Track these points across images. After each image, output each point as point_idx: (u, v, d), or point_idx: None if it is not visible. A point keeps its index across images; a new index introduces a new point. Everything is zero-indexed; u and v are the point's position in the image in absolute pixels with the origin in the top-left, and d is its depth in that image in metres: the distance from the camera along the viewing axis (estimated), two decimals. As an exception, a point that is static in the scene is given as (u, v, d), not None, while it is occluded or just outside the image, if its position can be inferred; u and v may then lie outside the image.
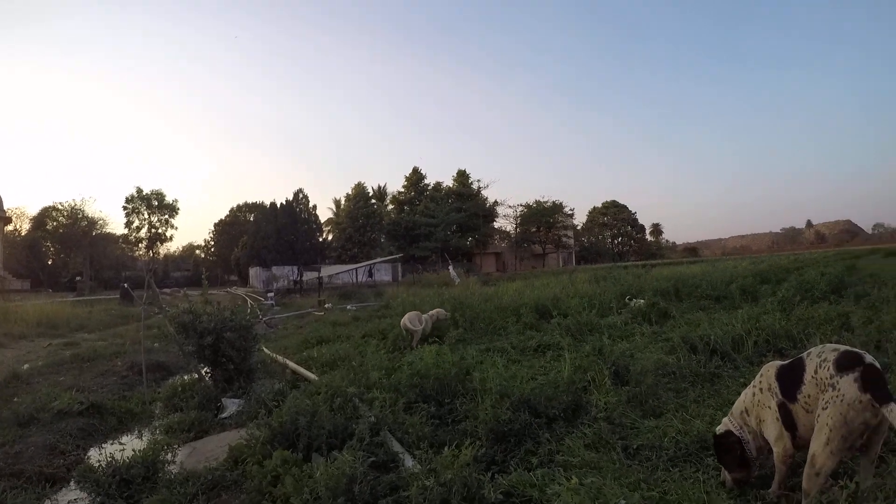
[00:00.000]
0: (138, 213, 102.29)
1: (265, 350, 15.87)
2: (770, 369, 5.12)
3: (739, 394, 7.43)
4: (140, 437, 10.48)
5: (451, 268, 57.59)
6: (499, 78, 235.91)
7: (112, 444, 9.99)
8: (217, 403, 11.48)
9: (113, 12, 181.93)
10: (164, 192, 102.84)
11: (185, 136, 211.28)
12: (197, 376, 12.86)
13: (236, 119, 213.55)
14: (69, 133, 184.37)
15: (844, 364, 4.29)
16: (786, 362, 5.05)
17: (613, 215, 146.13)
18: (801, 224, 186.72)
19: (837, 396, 4.19)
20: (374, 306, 30.05)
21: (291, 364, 13.77)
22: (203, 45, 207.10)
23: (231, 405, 10.97)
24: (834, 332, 10.72)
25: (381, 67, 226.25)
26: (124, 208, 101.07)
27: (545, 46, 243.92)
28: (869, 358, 4.35)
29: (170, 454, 8.15)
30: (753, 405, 5.18)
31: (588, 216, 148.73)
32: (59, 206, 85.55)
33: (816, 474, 4.31)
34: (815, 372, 4.45)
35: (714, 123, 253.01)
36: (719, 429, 5.43)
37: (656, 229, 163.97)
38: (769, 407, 4.96)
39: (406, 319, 15.69)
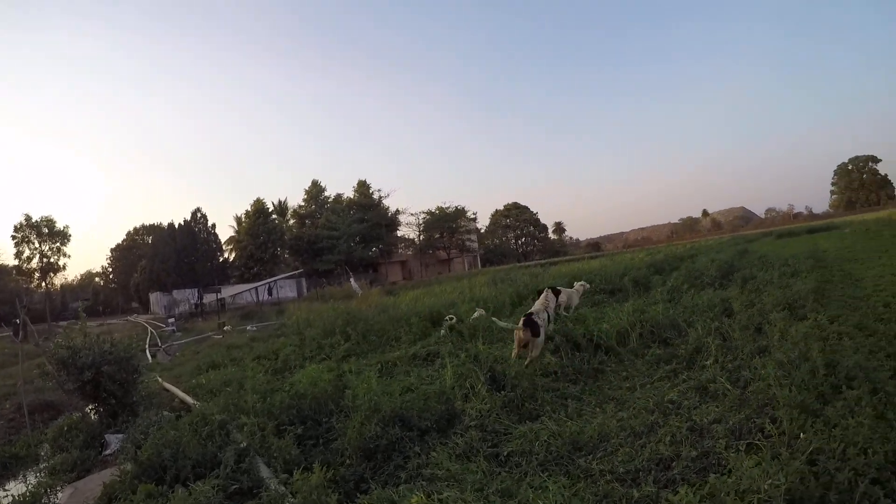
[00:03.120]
0: (28, 242, 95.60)
1: (158, 379, 15.25)
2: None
3: (622, 388, 7.33)
4: (24, 481, 9.97)
5: (352, 280, 57.66)
6: (394, 85, 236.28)
7: (-6, 492, 9.46)
8: (101, 440, 11.11)
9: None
10: (55, 218, 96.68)
11: (75, 156, 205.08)
12: (81, 414, 12.24)
13: (128, 137, 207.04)
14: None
15: (525, 317, 10.49)
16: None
17: (516, 217, 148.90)
18: (697, 213, 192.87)
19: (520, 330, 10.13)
20: (274, 325, 29.43)
21: (179, 393, 13.44)
22: (92, 62, 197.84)
23: (114, 441, 10.77)
24: (715, 318, 11.31)
25: (275, 80, 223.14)
26: (13, 237, 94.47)
27: (441, 52, 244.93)
28: (534, 316, 10.60)
29: (52, 497, 7.74)
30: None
31: (491, 219, 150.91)
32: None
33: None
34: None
35: (610, 121, 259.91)
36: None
37: (559, 227, 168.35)
38: None
39: None
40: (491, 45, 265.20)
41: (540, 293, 14.15)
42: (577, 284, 17.19)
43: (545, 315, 12.02)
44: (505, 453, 6.49)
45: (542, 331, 10.58)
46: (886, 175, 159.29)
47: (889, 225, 37.84)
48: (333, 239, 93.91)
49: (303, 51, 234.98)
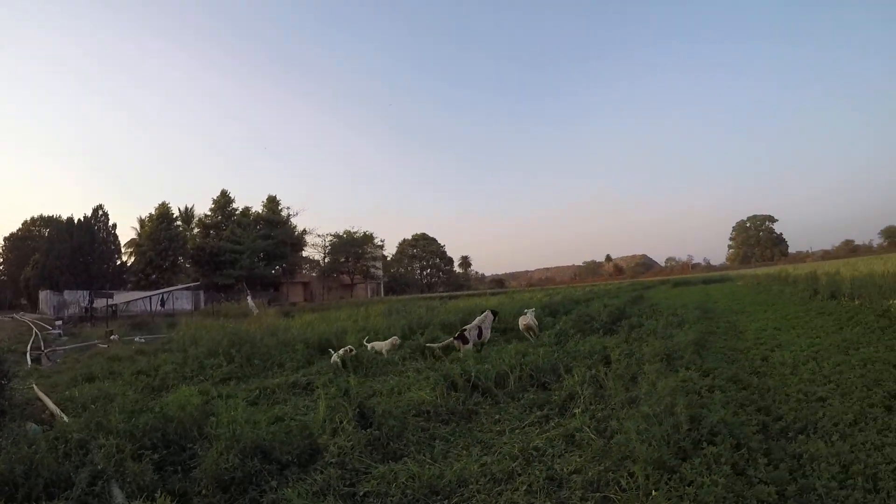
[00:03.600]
0: None
1: (34, 387, 14.63)
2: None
3: (492, 432, 7.34)
4: None
5: (248, 298, 56.33)
6: (313, 105, 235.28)
7: None
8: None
9: None
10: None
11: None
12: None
13: (30, 119, 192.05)
14: None
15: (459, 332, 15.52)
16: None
17: (423, 247, 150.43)
18: (601, 258, 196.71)
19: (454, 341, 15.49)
20: (164, 339, 28.61)
21: (49, 404, 12.63)
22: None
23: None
24: (594, 365, 11.38)
25: (197, 85, 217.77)
26: None
27: (364, 77, 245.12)
28: (468, 332, 15.92)
29: None
30: None
31: (398, 247, 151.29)
32: None
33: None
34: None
35: (525, 161, 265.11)
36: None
37: (465, 261, 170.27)
38: None
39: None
40: (414, 74, 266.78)
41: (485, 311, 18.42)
42: (528, 311, 19.78)
43: (476, 331, 16.38)
44: (361, 493, 6.28)
45: (470, 342, 15.49)
46: (781, 234, 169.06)
47: (778, 280, 39.56)
48: (237, 253, 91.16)
49: (224, 58, 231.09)
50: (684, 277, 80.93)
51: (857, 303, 20.11)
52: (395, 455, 7.51)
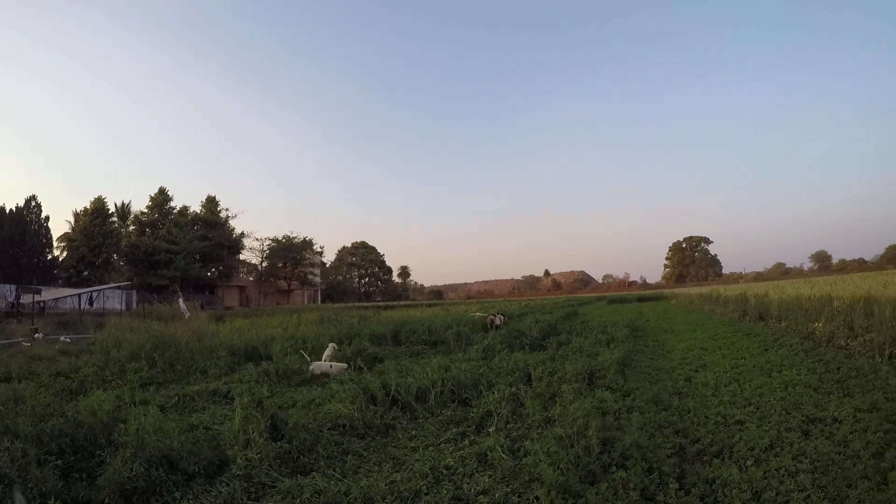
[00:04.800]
0: None
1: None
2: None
3: (407, 448, 7.23)
4: None
5: (181, 300, 55.21)
6: (260, 107, 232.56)
7: None
8: None
9: None
10: None
11: None
12: None
13: None
14: None
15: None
16: None
17: (362, 256, 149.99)
18: (540, 272, 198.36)
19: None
20: (90, 339, 27.90)
21: None
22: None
23: None
24: (515, 382, 11.30)
25: (141, 76, 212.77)
26: None
27: (312, 86, 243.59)
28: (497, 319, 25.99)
29: None
30: None
31: (337, 255, 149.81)
32: None
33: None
34: None
35: (467, 174, 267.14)
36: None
37: (404, 272, 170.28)
38: None
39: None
40: (357, 84, 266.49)
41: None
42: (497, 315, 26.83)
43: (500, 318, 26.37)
44: (265, 508, 6.12)
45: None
46: (716, 255, 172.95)
47: (709, 300, 40.52)
48: (172, 253, 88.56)
49: (176, 54, 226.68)
50: (620, 295, 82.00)
51: (783, 325, 20.52)
52: (304, 469, 7.30)
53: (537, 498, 5.56)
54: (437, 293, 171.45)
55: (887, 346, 12.75)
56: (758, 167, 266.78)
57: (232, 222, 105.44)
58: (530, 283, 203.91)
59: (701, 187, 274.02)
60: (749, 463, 6.55)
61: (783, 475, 6.17)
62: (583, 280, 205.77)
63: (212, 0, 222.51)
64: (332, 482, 6.56)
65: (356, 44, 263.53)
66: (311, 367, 14.59)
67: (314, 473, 7.03)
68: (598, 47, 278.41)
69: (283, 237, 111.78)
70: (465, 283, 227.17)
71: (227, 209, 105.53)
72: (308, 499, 6.07)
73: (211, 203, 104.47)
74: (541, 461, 6.06)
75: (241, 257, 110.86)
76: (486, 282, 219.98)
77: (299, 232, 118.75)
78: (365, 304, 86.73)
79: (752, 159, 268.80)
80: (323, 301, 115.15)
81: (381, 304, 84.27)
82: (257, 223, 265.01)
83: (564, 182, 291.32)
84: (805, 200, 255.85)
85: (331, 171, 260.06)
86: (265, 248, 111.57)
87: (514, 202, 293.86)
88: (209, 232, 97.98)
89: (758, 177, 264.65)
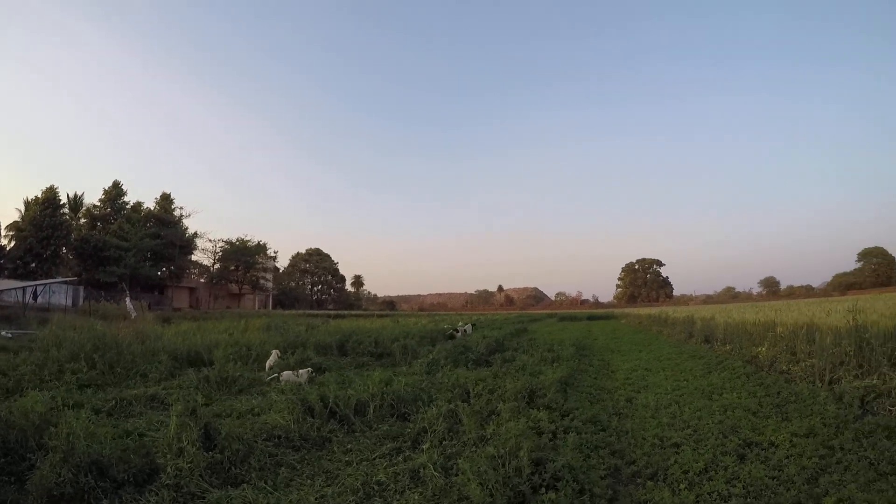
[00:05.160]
0: None
1: None
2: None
3: (341, 462, 7.14)
4: None
5: (127, 299, 54.27)
6: (217, 108, 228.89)
7: None
8: None
9: None
10: None
11: None
12: None
13: None
14: None
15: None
16: None
17: (316, 263, 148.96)
18: (493, 287, 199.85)
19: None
20: (32, 335, 27.32)
21: None
22: None
23: None
24: (454, 399, 11.21)
25: (97, 61, 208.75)
26: None
27: (274, 88, 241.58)
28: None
29: None
30: None
31: (291, 261, 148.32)
32: None
33: None
34: None
35: (422, 190, 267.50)
36: None
37: (358, 281, 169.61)
38: None
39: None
40: (319, 93, 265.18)
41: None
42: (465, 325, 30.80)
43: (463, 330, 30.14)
44: (192, 519, 6.00)
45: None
46: (668, 277, 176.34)
47: (658, 321, 41.00)
48: (122, 250, 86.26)
49: (136, 48, 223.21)
50: (571, 312, 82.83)
51: (728, 348, 20.74)
52: (235, 480, 7.20)
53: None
54: (390, 304, 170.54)
55: (827, 371, 12.95)
56: (711, 193, 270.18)
57: (185, 221, 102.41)
58: (483, 297, 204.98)
59: (656, 210, 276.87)
60: (682, 486, 6.58)
61: (715, 499, 6.22)
62: (535, 296, 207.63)
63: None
64: (262, 495, 6.51)
65: (320, 51, 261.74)
66: (281, 379, 14.45)
67: (245, 485, 6.95)
68: (558, 64, 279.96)
69: (237, 240, 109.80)
70: (419, 295, 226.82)
71: (181, 208, 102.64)
72: (235, 511, 6.00)
73: (165, 200, 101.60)
74: (470, 480, 6.04)
75: (193, 258, 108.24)
76: (440, 294, 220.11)
77: (253, 235, 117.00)
78: (316, 311, 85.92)
79: (706, 185, 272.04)
80: (274, 307, 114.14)
81: (331, 312, 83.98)
82: (211, 224, 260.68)
83: (522, 199, 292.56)
84: (756, 227, 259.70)
85: (289, 176, 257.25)
86: (218, 250, 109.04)
87: (470, 216, 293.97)
88: (162, 230, 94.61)
89: (710, 202, 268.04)
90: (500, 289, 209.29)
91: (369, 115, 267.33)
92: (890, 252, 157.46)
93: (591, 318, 66.33)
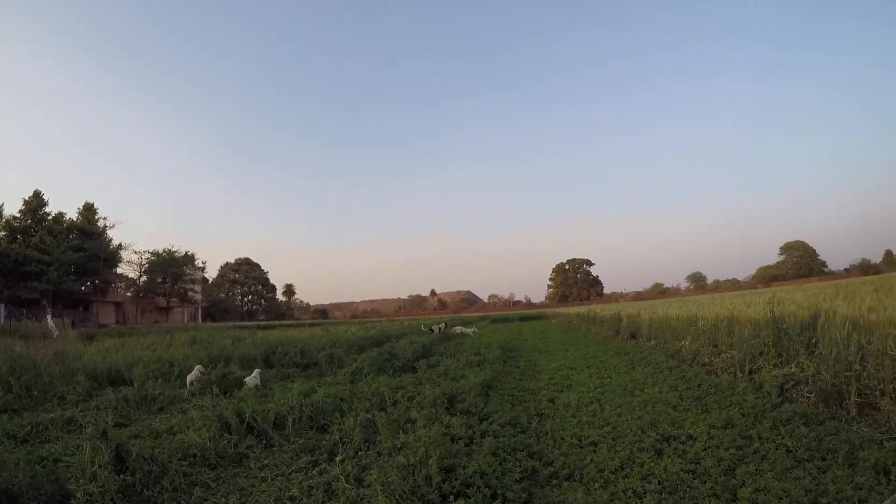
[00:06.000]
0: None
1: None
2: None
3: (258, 478, 7.02)
4: None
5: (49, 317, 52.78)
6: (142, 111, 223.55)
7: None
8: None
9: None
10: None
11: None
12: None
13: None
14: None
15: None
16: None
17: (245, 273, 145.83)
18: (426, 292, 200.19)
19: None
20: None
21: None
22: None
23: None
24: (373, 408, 11.22)
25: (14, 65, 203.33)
26: None
27: (201, 90, 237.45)
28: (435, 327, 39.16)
29: None
30: None
31: (220, 271, 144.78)
32: None
33: None
34: None
35: (351, 196, 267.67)
36: None
37: (289, 290, 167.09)
38: None
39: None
40: (255, 94, 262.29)
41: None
42: (440, 324, 36.64)
43: (439, 327, 39.11)
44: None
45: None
46: (598, 276, 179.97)
47: (587, 320, 42.08)
48: (44, 264, 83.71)
49: (54, 47, 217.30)
50: (503, 314, 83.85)
51: (652, 343, 21.14)
52: (148, 503, 7.07)
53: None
54: (323, 312, 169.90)
55: (747, 362, 13.31)
56: (637, 192, 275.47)
57: (110, 232, 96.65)
58: (416, 302, 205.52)
59: (584, 211, 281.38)
60: (597, 485, 6.60)
61: (630, 497, 6.24)
62: (469, 299, 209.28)
63: None
64: None
65: (247, 54, 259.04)
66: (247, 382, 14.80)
67: None
68: (483, 71, 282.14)
69: (164, 251, 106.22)
70: (352, 302, 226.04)
71: (104, 218, 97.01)
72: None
73: (88, 211, 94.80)
74: (377, 492, 6.01)
75: (119, 271, 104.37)
76: (373, 301, 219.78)
77: (181, 246, 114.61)
78: (246, 323, 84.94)
79: (632, 184, 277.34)
80: (204, 319, 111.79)
81: (262, 323, 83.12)
82: (136, 235, 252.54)
83: (453, 203, 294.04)
84: (682, 224, 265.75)
85: (218, 183, 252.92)
86: (144, 262, 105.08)
87: (401, 222, 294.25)
88: (85, 242, 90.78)
89: (637, 201, 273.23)
90: (433, 293, 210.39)
91: (299, 120, 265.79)
92: (810, 245, 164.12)
93: (522, 318, 67.19)
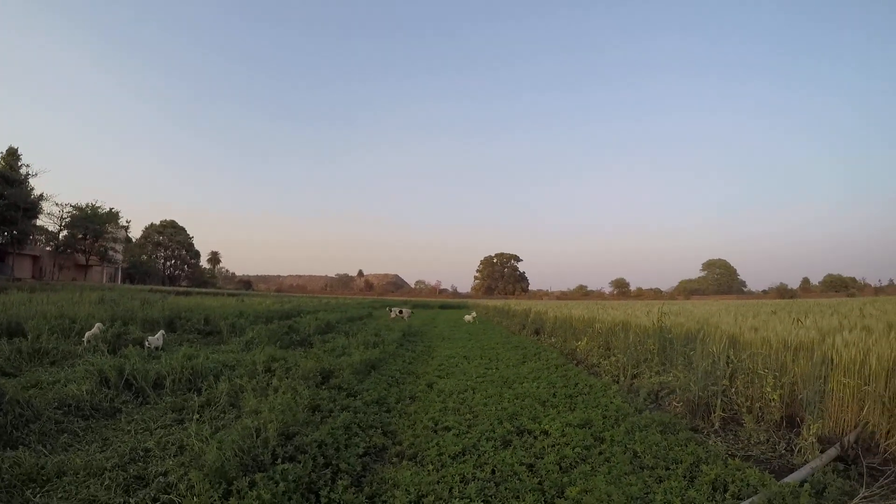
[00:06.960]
0: None
1: None
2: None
3: (124, 431, 7.51)
4: None
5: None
6: (77, 61, 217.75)
7: None
8: None
9: None
10: None
11: None
12: None
13: None
14: None
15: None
16: None
17: (170, 236, 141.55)
18: (354, 272, 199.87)
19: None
20: None
21: None
22: None
23: None
24: (244, 376, 11.73)
25: None
26: None
27: (137, 45, 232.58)
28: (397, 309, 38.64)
29: None
30: None
31: (143, 232, 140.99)
32: None
33: None
34: None
35: (287, 169, 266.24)
36: None
37: (214, 257, 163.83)
38: None
39: None
40: (196, 50, 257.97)
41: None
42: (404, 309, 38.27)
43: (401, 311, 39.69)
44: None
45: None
46: (524, 272, 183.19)
47: (501, 313, 43.63)
48: None
49: None
50: (425, 300, 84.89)
51: (553, 340, 22.02)
52: (15, 443, 7.45)
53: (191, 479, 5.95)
54: (247, 283, 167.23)
55: (630, 367, 14.06)
56: (570, 197, 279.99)
57: (32, 181, 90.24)
58: (343, 281, 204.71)
59: (516, 208, 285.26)
60: (431, 468, 6.96)
61: (456, 481, 6.50)
62: (396, 283, 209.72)
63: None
64: (36, 457, 6.76)
65: (193, 22, 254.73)
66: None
67: (22, 447, 7.13)
68: (423, 58, 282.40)
69: (87, 206, 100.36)
70: (279, 276, 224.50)
71: (27, 165, 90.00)
72: (6, 469, 6.29)
73: (12, 156, 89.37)
74: (213, 448, 6.34)
75: (39, 223, 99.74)
76: (300, 276, 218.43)
77: (105, 202, 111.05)
78: (166, 288, 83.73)
79: (565, 188, 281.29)
80: (123, 281, 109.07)
81: (180, 289, 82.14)
82: (60, 186, 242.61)
83: (388, 186, 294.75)
84: (609, 234, 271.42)
85: (149, 139, 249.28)
86: (65, 216, 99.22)
87: (335, 200, 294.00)
88: (5, 189, 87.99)
89: (569, 206, 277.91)
90: (361, 273, 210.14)
91: (240, 89, 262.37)
92: (731, 264, 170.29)
93: (443, 306, 68.07)
